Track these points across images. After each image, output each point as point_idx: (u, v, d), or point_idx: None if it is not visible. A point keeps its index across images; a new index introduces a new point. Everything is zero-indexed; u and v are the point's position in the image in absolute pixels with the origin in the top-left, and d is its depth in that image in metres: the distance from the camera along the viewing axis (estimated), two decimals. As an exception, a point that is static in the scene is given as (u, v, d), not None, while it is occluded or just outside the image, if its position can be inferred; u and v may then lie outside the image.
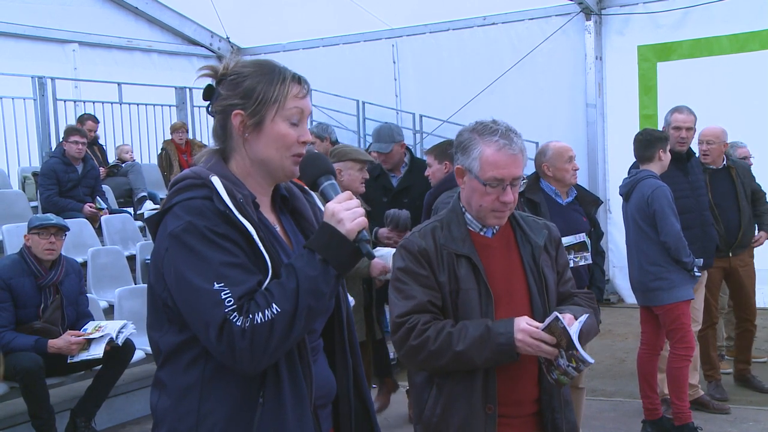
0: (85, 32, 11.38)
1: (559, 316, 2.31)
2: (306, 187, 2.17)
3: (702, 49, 9.60)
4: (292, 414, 1.90)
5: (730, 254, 5.92)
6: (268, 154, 1.98)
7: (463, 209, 2.62)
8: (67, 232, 5.34)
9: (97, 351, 5.02)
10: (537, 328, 2.37)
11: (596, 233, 4.90)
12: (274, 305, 1.80)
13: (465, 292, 2.50)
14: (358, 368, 2.17)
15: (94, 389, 5.24)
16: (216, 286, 1.79)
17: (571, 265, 4.48)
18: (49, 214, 5.24)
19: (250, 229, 1.87)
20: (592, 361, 2.33)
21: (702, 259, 5.10)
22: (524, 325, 2.38)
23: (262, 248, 1.88)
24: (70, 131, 8.07)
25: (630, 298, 9.93)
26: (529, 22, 10.86)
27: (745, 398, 5.98)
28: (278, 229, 2.06)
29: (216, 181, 1.89)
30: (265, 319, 1.78)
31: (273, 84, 1.95)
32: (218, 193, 1.87)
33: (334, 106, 11.88)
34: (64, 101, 10.08)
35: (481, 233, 2.60)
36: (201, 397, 1.89)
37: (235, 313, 1.78)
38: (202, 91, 2.06)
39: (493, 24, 11.15)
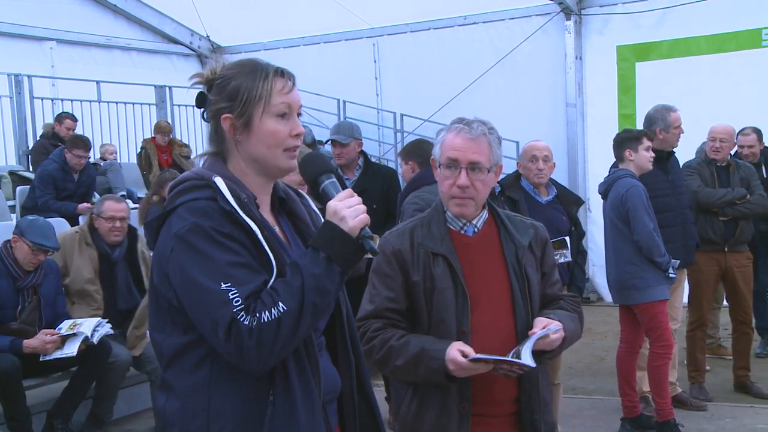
0: (63, 30, 11.27)
1: (478, 356, 2.28)
2: (301, 191, 2.20)
3: (680, 50, 9.67)
4: (303, 410, 1.91)
5: (726, 249, 5.88)
6: (260, 153, 1.98)
7: (444, 208, 2.60)
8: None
9: (71, 349, 4.97)
10: (468, 356, 2.33)
11: (577, 232, 4.94)
12: (280, 303, 1.81)
13: (440, 291, 2.48)
14: (360, 366, 2.18)
15: (70, 390, 5.19)
16: (223, 286, 1.80)
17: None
18: (46, 236, 5.09)
19: (254, 229, 1.87)
20: (533, 365, 2.30)
21: (678, 261, 5.09)
22: (454, 354, 2.34)
23: (266, 248, 1.88)
24: (75, 143, 8.04)
25: (609, 296, 9.98)
26: (509, 21, 10.89)
27: (723, 395, 6.03)
28: (277, 230, 2.06)
29: (219, 181, 1.90)
30: (271, 317, 1.79)
31: (256, 82, 1.95)
32: (222, 193, 1.88)
33: (315, 104, 11.86)
34: (41, 99, 10.00)
35: (462, 231, 2.58)
36: (210, 397, 1.89)
37: (243, 313, 1.79)
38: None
39: (474, 24, 11.17)
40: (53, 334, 4.99)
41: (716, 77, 9.25)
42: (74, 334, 5.02)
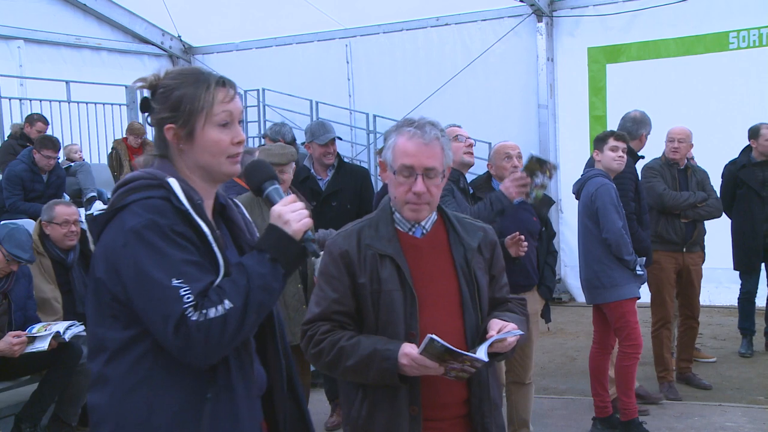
0: (31, 29, 11.12)
1: (433, 337, 2.22)
2: (237, 201, 2.28)
3: (650, 52, 9.79)
4: (244, 405, 2.01)
5: (684, 249, 6.07)
6: (204, 160, 2.05)
7: (393, 209, 2.57)
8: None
9: (42, 344, 4.90)
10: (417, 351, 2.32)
11: (548, 233, 4.96)
12: (226, 301, 1.88)
13: (387, 293, 2.45)
14: (291, 370, 2.24)
15: (39, 394, 5.11)
16: (175, 282, 1.86)
17: (547, 182, 4.46)
18: (23, 248, 5.00)
19: (206, 231, 1.96)
20: (486, 359, 2.30)
21: (645, 258, 5.18)
22: (408, 349, 2.34)
23: (216, 248, 1.97)
24: (44, 143, 7.96)
25: (581, 296, 10.04)
26: (481, 23, 10.94)
27: (692, 393, 6.11)
28: (218, 234, 2.11)
29: (174, 182, 1.97)
30: (218, 314, 1.87)
31: (198, 92, 2.02)
32: (176, 194, 1.95)
33: (288, 105, 11.83)
34: (9, 99, 9.85)
35: (410, 233, 2.55)
36: (151, 392, 1.93)
37: (192, 309, 1.86)
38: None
39: (446, 25, 11.21)
40: (20, 336, 4.92)
41: (684, 79, 9.38)
42: (46, 333, 4.95)
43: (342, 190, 5.66)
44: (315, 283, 2.94)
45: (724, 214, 6.98)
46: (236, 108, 2.07)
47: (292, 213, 2.00)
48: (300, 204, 2.03)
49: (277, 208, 2.02)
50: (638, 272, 5.06)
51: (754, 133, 6.92)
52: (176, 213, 1.93)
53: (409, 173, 2.45)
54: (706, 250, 6.47)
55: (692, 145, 6.19)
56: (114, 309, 1.95)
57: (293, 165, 4.85)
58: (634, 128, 5.71)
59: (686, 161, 6.18)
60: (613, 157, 5.09)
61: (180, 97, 2.01)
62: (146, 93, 2.09)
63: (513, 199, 4.34)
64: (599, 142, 5.18)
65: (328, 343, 2.44)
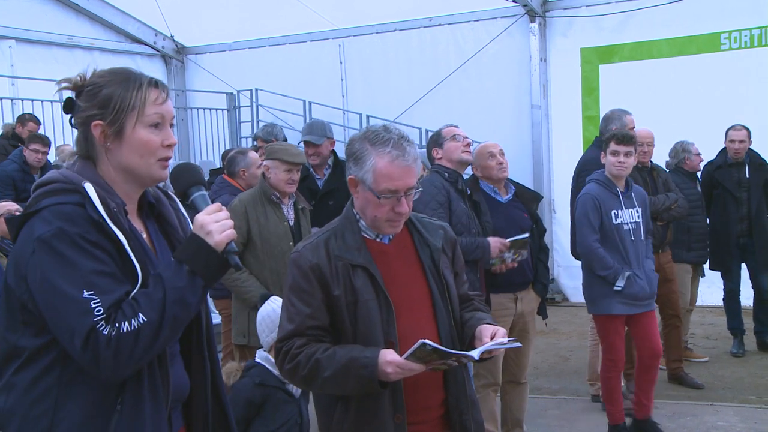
0: (23, 28, 11.07)
1: (426, 341, 2.20)
2: (171, 194, 2.21)
3: (642, 52, 9.81)
4: (149, 418, 1.93)
5: (660, 250, 6.03)
6: (132, 162, 1.99)
7: (357, 216, 2.53)
8: None
9: None
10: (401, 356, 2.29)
11: (538, 229, 4.96)
12: (140, 315, 1.82)
13: (364, 303, 2.42)
14: (216, 371, 2.21)
15: None
16: (86, 294, 1.80)
17: (509, 262, 4.54)
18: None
19: (122, 239, 1.88)
20: (477, 357, 2.30)
21: (629, 272, 4.84)
22: (390, 356, 2.31)
23: (133, 258, 1.89)
24: (32, 139, 7.96)
25: (574, 297, 10.11)
26: (474, 23, 10.93)
27: (684, 393, 6.13)
28: (144, 236, 2.07)
29: (90, 188, 1.89)
30: (131, 328, 1.81)
31: (129, 91, 1.96)
32: (91, 200, 1.87)
33: (281, 105, 11.81)
34: (1, 99, 9.81)
35: (378, 240, 2.53)
36: (56, 401, 1.88)
37: (103, 322, 1.79)
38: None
39: (439, 25, 11.20)
40: None
41: (677, 80, 9.40)
42: None
43: (338, 189, 5.65)
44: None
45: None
46: (168, 111, 2.02)
47: (215, 223, 1.93)
48: (225, 214, 1.97)
49: (200, 218, 1.95)
50: (615, 288, 4.78)
51: (726, 134, 7.05)
52: (90, 221, 1.85)
53: (392, 195, 2.42)
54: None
55: (653, 146, 6.11)
56: (24, 316, 1.89)
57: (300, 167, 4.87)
58: (604, 126, 5.74)
59: (650, 163, 6.17)
60: (613, 162, 4.86)
61: (109, 95, 1.95)
62: (70, 94, 2.03)
63: (493, 255, 4.42)
64: (604, 144, 5.02)
65: (304, 357, 2.40)
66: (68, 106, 2.02)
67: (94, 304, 1.79)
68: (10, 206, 5.46)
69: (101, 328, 1.78)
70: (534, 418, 5.50)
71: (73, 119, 2.02)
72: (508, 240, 4.46)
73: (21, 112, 9.63)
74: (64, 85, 2.02)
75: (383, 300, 2.44)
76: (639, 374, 5.10)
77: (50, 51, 11.63)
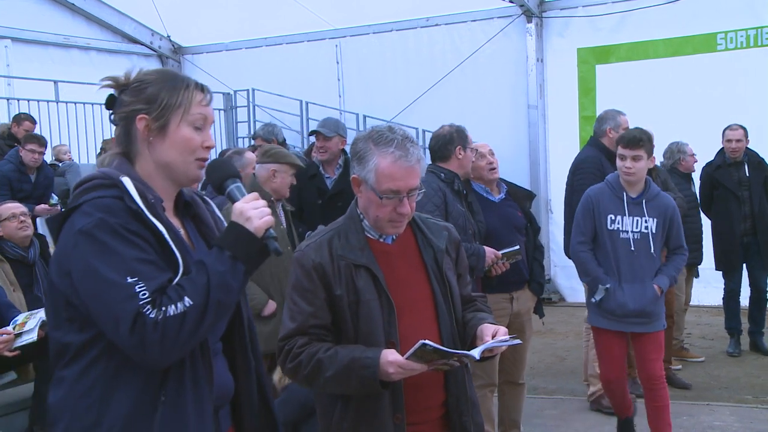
0: (19, 28, 11.06)
1: (426, 342, 2.20)
2: (206, 197, 2.25)
3: (639, 53, 9.83)
4: (192, 411, 1.95)
5: None
6: (172, 158, 2.03)
7: (361, 216, 2.54)
8: None
9: (31, 336, 4.82)
10: (403, 356, 2.29)
11: (533, 227, 4.94)
12: (186, 298, 1.85)
13: (365, 303, 2.43)
14: (260, 369, 2.23)
15: (39, 393, 5.01)
16: (129, 280, 1.82)
17: (501, 264, 4.52)
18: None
19: (161, 230, 1.92)
20: (477, 357, 2.30)
21: (610, 284, 4.47)
22: (392, 357, 2.31)
23: (174, 247, 1.93)
24: (28, 139, 7.95)
25: (571, 297, 10.13)
26: (471, 23, 10.95)
27: (680, 393, 6.12)
28: (182, 232, 2.10)
29: (127, 181, 1.93)
30: (177, 311, 1.83)
31: (177, 90, 2.02)
32: (129, 193, 1.91)
33: (277, 106, 11.81)
34: (-3, 99, 9.80)
35: (381, 240, 2.53)
36: (102, 395, 1.91)
37: (149, 306, 1.82)
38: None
39: (436, 25, 11.21)
40: (4, 333, 4.84)
41: (673, 80, 9.42)
42: (30, 328, 4.87)
43: (347, 190, 5.63)
44: None
45: (703, 215, 7.11)
46: (210, 114, 2.08)
47: (253, 210, 1.97)
48: (262, 202, 2.01)
49: (238, 205, 1.99)
50: (593, 299, 4.52)
51: (723, 134, 7.08)
52: (129, 212, 1.89)
53: (395, 195, 2.42)
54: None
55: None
56: (69, 312, 1.92)
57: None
58: (598, 126, 5.73)
59: None
60: (620, 167, 4.48)
61: (156, 92, 2.00)
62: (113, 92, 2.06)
63: (485, 265, 4.40)
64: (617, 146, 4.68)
65: (306, 356, 2.41)
66: (110, 103, 2.06)
67: (139, 288, 1.82)
68: (15, 208, 5.45)
69: (147, 312, 1.81)
70: (530, 418, 5.50)
71: (113, 115, 2.06)
72: (500, 252, 4.46)
73: (17, 112, 9.62)
74: (107, 83, 2.06)
75: (385, 300, 2.44)
76: (645, 398, 4.78)
77: (46, 51, 11.63)
